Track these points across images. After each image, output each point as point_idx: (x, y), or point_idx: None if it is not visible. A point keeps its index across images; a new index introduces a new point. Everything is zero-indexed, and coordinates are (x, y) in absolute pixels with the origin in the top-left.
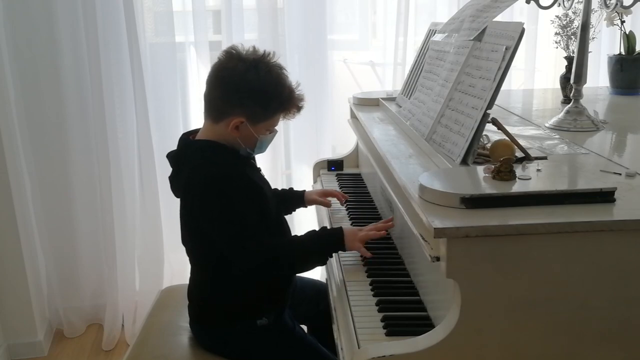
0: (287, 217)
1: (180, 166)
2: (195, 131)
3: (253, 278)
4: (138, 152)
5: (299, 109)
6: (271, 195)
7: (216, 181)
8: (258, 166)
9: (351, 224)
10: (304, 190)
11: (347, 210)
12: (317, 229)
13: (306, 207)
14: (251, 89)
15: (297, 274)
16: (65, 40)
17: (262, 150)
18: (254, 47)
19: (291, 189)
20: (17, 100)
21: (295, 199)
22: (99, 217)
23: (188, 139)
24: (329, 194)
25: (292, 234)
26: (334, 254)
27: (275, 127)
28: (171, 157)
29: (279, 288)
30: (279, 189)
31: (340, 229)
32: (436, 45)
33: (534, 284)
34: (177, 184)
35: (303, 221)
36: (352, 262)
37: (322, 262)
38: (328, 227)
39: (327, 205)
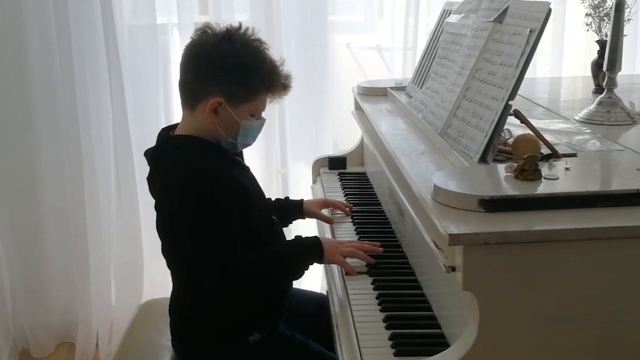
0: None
1: (159, 165)
2: (176, 126)
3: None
4: (114, 148)
5: (285, 87)
6: (260, 197)
7: (195, 180)
8: (246, 164)
9: (355, 229)
10: (302, 200)
11: (351, 213)
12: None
13: (304, 218)
14: (226, 63)
15: (294, 287)
16: (32, 20)
17: (247, 141)
18: (230, 24)
19: (287, 198)
20: None
21: (292, 210)
22: (70, 223)
23: (167, 134)
24: (330, 205)
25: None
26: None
27: (262, 114)
28: (149, 154)
29: (272, 302)
30: (273, 198)
31: (318, 240)
32: (451, 27)
33: (562, 297)
34: (155, 184)
35: (302, 229)
36: (357, 272)
37: (300, 276)
38: (303, 237)
39: (330, 222)
